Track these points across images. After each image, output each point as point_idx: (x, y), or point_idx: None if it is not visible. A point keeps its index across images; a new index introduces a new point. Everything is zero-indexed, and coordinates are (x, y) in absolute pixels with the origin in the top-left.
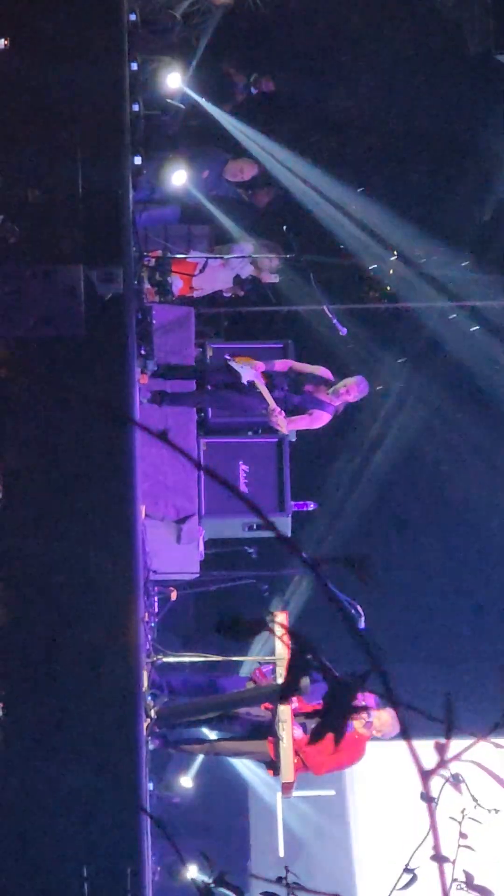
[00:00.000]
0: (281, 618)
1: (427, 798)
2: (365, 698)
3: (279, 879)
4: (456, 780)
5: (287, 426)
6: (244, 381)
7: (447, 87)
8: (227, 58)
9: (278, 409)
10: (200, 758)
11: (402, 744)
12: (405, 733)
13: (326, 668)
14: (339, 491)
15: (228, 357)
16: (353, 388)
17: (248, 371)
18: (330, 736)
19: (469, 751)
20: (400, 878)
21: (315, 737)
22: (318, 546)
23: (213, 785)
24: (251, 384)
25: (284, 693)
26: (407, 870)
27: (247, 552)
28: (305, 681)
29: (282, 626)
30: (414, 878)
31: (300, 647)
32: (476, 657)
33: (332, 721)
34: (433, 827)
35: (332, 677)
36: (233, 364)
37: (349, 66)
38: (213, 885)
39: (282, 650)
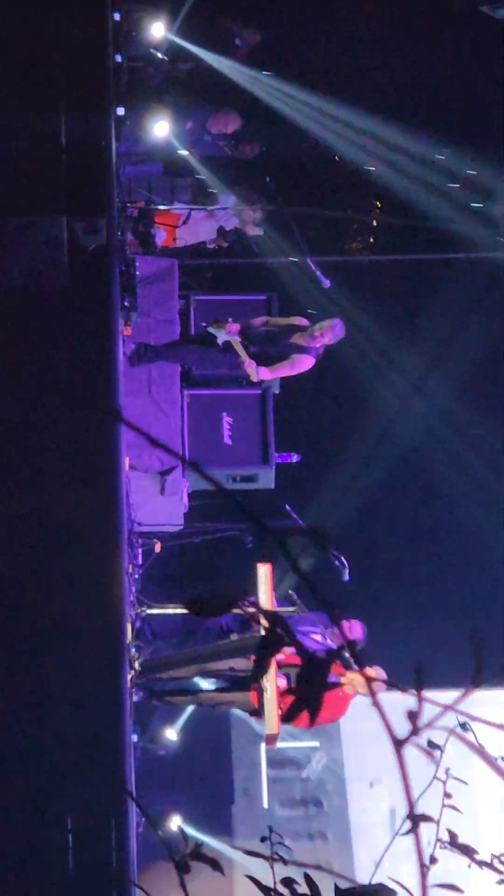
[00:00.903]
0: (264, 570)
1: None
2: (352, 626)
3: (263, 839)
4: (464, 728)
5: (270, 374)
6: (220, 342)
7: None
8: (221, 7)
9: (249, 360)
10: (188, 711)
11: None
12: (377, 705)
13: (300, 645)
14: (323, 443)
15: (205, 324)
16: (327, 332)
17: (224, 334)
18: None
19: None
20: (402, 823)
21: (289, 716)
22: (301, 498)
23: (199, 737)
24: (227, 344)
25: (257, 673)
26: (410, 816)
27: (231, 504)
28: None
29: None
30: (416, 825)
31: (273, 623)
32: (448, 615)
33: (306, 698)
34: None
35: (305, 654)
36: (210, 329)
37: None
38: (188, 858)
39: (265, 601)
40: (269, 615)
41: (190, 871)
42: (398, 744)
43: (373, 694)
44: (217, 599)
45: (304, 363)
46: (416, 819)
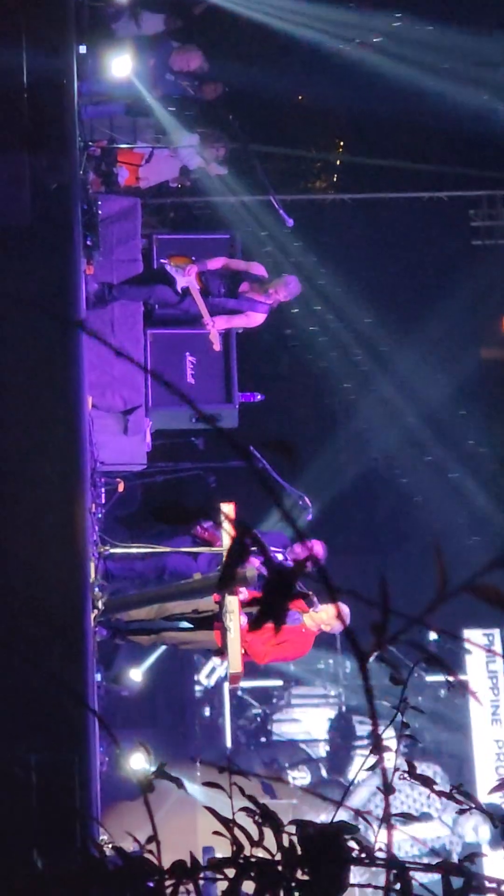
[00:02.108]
0: (227, 509)
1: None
2: (312, 546)
3: (221, 770)
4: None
5: (225, 325)
6: (178, 287)
7: None
8: None
9: (211, 322)
10: (154, 654)
11: None
12: (348, 629)
13: (266, 554)
14: (286, 382)
15: (164, 260)
16: (281, 289)
17: (182, 278)
18: (271, 625)
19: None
20: (366, 759)
21: (254, 624)
22: (265, 437)
23: (162, 677)
24: (185, 290)
25: (223, 580)
26: (374, 751)
27: (194, 443)
28: (252, 571)
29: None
30: (380, 759)
31: (240, 534)
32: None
33: (271, 608)
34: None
35: (272, 565)
36: (169, 268)
37: None
38: (152, 774)
39: (229, 541)
40: (239, 525)
41: (153, 790)
42: (362, 657)
43: (343, 622)
44: (182, 509)
45: (257, 320)
46: (379, 749)
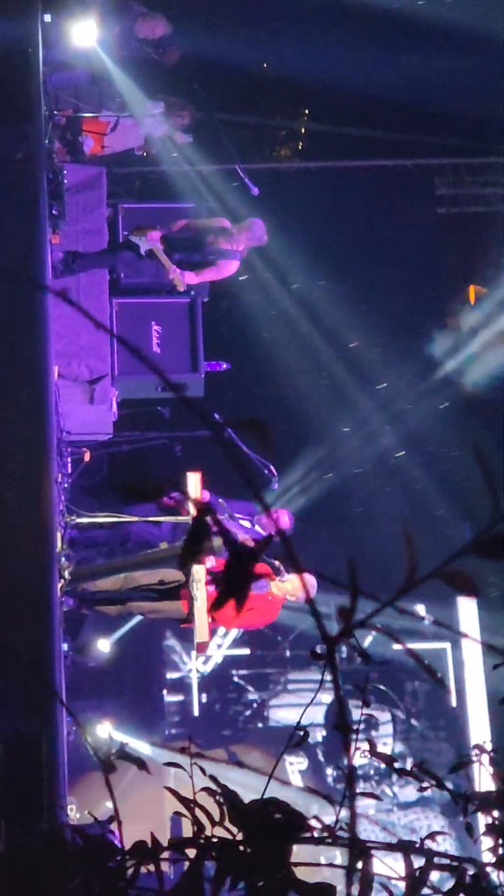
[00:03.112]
0: (193, 479)
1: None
2: (279, 515)
3: (182, 750)
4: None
5: (196, 279)
6: (142, 251)
7: None
8: None
9: (174, 267)
10: (126, 627)
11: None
12: (311, 600)
13: (226, 533)
14: (253, 352)
15: (126, 233)
16: (246, 234)
17: (146, 243)
18: (232, 601)
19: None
20: (292, 737)
21: (216, 605)
22: (231, 406)
23: (130, 646)
24: (150, 252)
25: (185, 556)
26: (298, 728)
27: (160, 412)
28: (218, 541)
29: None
30: (305, 736)
31: (200, 513)
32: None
33: (232, 588)
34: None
35: (232, 543)
36: (132, 238)
37: None
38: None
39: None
40: (199, 504)
41: (115, 770)
42: (330, 642)
43: (308, 592)
44: (149, 484)
45: (229, 268)
46: (345, 728)
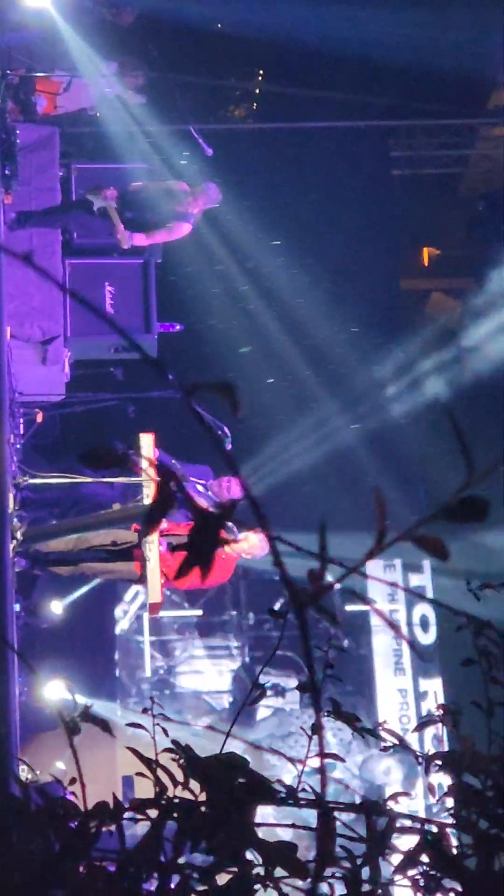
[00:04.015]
0: (146, 440)
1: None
2: (230, 483)
3: (144, 710)
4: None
5: (147, 240)
6: (95, 209)
7: None
8: None
9: (122, 226)
10: (82, 590)
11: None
12: (278, 561)
13: (191, 499)
14: (205, 312)
15: (83, 192)
16: (201, 197)
17: (100, 199)
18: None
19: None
20: (251, 692)
21: (182, 571)
22: (183, 368)
23: (82, 606)
24: (103, 210)
25: (148, 525)
26: (256, 684)
27: (113, 373)
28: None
29: (146, 455)
30: (262, 693)
31: (165, 477)
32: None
33: (198, 554)
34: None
35: (197, 510)
36: (89, 196)
37: None
38: (77, 717)
39: (148, 477)
40: (163, 469)
41: (79, 733)
42: (300, 604)
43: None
44: (111, 452)
45: (181, 230)
46: (313, 687)
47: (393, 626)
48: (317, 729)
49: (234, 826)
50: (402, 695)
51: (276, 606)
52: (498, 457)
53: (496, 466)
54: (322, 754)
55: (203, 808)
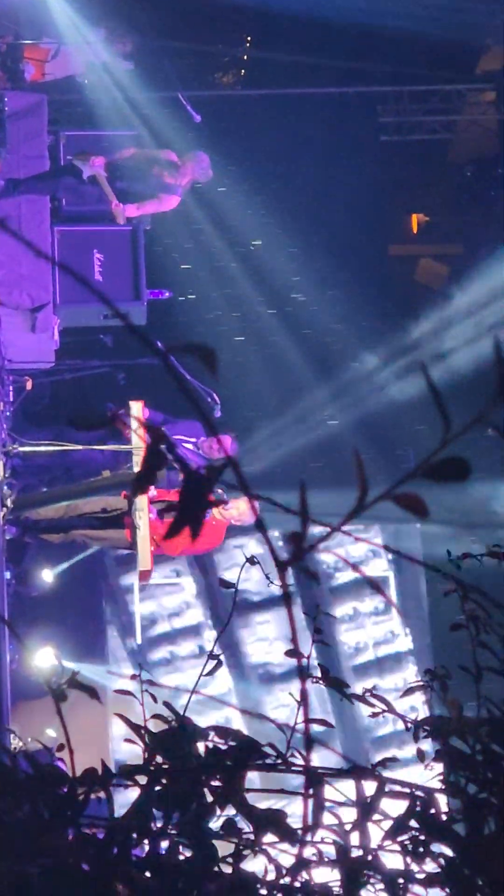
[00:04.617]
0: (136, 407)
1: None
2: (223, 441)
3: (133, 677)
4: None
5: (137, 211)
6: (85, 177)
7: None
8: None
9: (116, 201)
10: (74, 560)
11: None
12: (260, 525)
13: (181, 460)
14: (193, 279)
15: (70, 157)
16: (192, 168)
17: (89, 168)
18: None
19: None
20: (206, 664)
21: (171, 531)
22: (171, 334)
23: (72, 574)
24: (92, 178)
25: (138, 485)
26: (211, 656)
27: (102, 340)
28: (161, 472)
29: (136, 418)
30: (219, 664)
31: (155, 439)
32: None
33: (188, 515)
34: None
35: (188, 470)
36: (76, 162)
37: None
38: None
39: (138, 440)
40: (153, 430)
41: (66, 700)
42: (281, 566)
43: (255, 516)
44: (99, 414)
45: (170, 202)
46: (295, 654)
47: (378, 588)
48: (303, 695)
49: (224, 792)
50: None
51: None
52: (475, 416)
53: (472, 425)
54: (307, 720)
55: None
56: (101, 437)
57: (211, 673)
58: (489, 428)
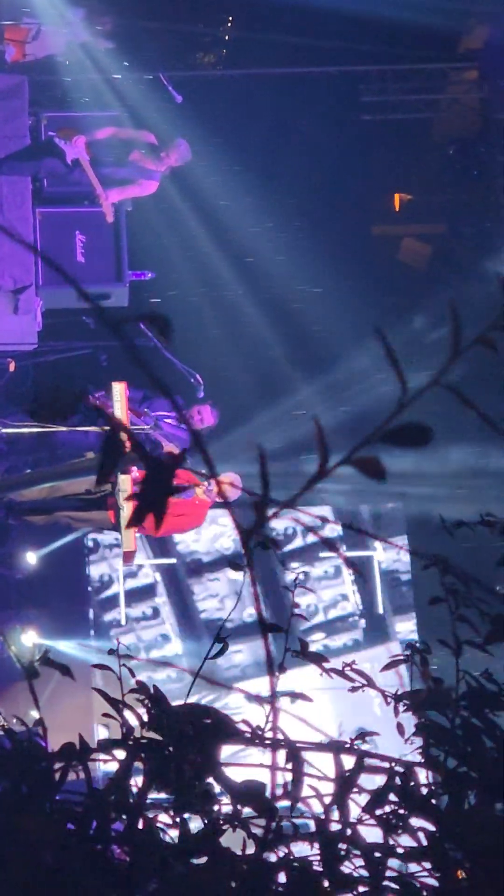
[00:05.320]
0: (119, 389)
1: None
2: (202, 411)
3: (111, 652)
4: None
5: (119, 196)
6: (68, 160)
7: None
8: None
9: (104, 194)
10: (59, 542)
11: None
12: (224, 499)
13: (142, 450)
14: (176, 261)
15: (53, 133)
16: (173, 154)
17: (71, 148)
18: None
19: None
20: (212, 647)
21: (134, 520)
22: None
23: (54, 556)
24: (76, 162)
25: (101, 477)
26: (218, 638)
27: (85, 322)
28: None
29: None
30: (225, 648)
31: (113, 429)
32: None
33: (149, 503)
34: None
35: (149, 459)
36: (57, 141)
37: None
38: (37, 662)
39: (121, 419)
40: (113, 421)
41: (38, 676)
42: (245, 535)
43: (225, 499)
44: (61, 400)
45: (150, 188)
46: (267, 627)
47: (352, 564)
48: (270, 668)
49: (201, 766)
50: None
51: None
52: (433, 377)
53: (428, 388)
54: (273, 694)
55: (170, 749)
56: (84, 419)
57: (217, 656)
58: (447, 389)
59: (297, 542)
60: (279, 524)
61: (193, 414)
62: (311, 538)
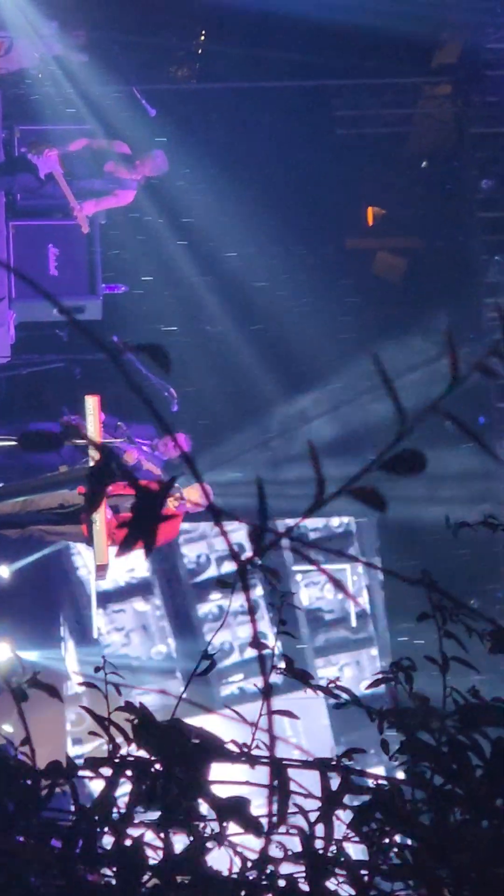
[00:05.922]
0: (92, 402)
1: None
2: (178, 438)
3: (97, 669)
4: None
5: (95, 207)
6: (42, 174)
7: None
8: None
9: (79, 206)
10: (32, 557)
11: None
12: (217, 517)
13: (132, 478)
14: (151, 275)
15: (25, 149)
16: (148, 164)
17: (44, 162)
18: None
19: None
20: (199, 664)
21: (124, 546)
22: (131, 329)
23: (32, 572)
24: (49, 176)
25: (89, 507)
26: (206, 655)
27: (59, 335)
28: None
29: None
30: (212, 665)
31: (105, 456)
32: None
33: (140, 531)
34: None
35: (139, 487)
36: (30, 156)
37: None
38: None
39: (94, 433)
40: (101, 448)
41: (27, 700)
42: (241, 563)
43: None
44: (48, 436)
45: (127, 198)
46: (258, 645)
47: (338, 584)
48: (265, 688)
49: (189, 784)
50: None
51: None
52: (427, 407)
53: (425, 415)
54: (270, 712)
55: (157, 766)
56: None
57: (205, 673)
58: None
59: (211, 572)
60: (191, 551)
61: (168, 442)
62: (226, 567)
